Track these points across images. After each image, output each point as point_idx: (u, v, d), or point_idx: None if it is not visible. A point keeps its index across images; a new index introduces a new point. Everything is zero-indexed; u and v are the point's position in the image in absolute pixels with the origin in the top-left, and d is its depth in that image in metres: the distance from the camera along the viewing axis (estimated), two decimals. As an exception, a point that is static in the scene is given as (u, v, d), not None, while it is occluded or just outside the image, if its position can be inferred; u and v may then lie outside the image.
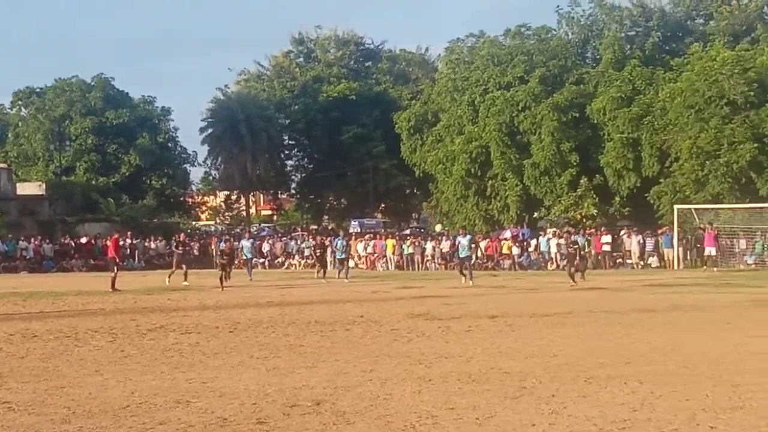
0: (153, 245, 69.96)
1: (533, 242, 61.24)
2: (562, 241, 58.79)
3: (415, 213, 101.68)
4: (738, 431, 10.40)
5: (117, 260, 38.82)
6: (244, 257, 51.00)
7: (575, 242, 40.40)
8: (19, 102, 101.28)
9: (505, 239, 62.00)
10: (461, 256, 41.38)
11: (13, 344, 19.39)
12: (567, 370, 14.73)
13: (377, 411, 11.51)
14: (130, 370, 15.31)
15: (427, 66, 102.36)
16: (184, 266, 42.60)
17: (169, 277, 41.48)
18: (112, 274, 37.38)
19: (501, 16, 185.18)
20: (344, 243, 49.83)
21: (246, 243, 52.08)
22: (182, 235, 54.79)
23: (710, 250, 51.41)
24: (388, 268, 62.07)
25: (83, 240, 69.60)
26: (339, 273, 46.37)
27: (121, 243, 47.52)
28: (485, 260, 60.80)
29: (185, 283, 40.33)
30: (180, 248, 45.46)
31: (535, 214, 70.22)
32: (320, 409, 11.64)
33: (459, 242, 42.02)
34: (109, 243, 41.30)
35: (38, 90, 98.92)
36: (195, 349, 18.10)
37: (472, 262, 41.33)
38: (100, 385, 13.89)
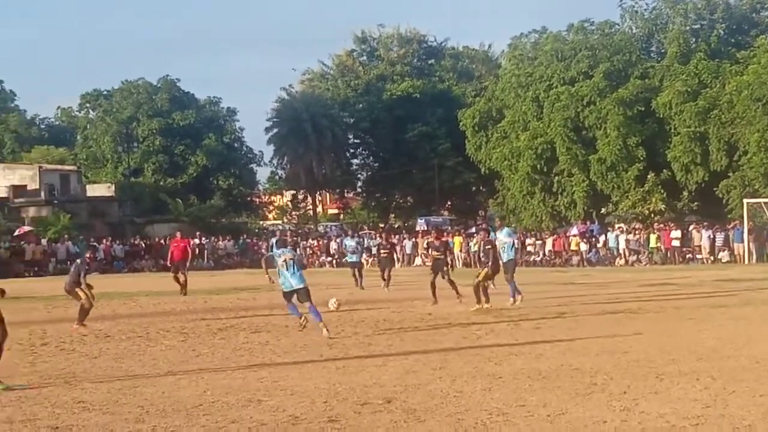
0: (222, 245, 70.41)
1: (601, 238, 60.81)
2: (630, 236, 58.49)
3: (482, 210, 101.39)
4: (813, 427, 10.30)
5: (185, 263, 37.30)
6: (349, 260, 40.30)
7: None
8: (87, 104, 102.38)
9: (573, 235, 61.64)
10: (351, 261, 38.82)
11: (86, 344, 19.65)
12: (638, 366, 14.66)
13: (448, 408, 11.53)
14: (202, 369, 15.47)
15: (490, 63, 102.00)
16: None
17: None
18: (182, 278, 35.22)
19: (564, 12, 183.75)
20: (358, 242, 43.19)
21: (350, 242, 42.21)
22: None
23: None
24: (455, 266, 61.91)
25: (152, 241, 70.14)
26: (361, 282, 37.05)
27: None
28: (553, 257, 60.56)
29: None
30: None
31: (603, 210, 69.71)
32: (391, 407, 11.68)
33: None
34: (173, 244, 39.12)
35: (105, 92, 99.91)
36: (265, 348, 18.24)
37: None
38: (173, 384, 14.05)
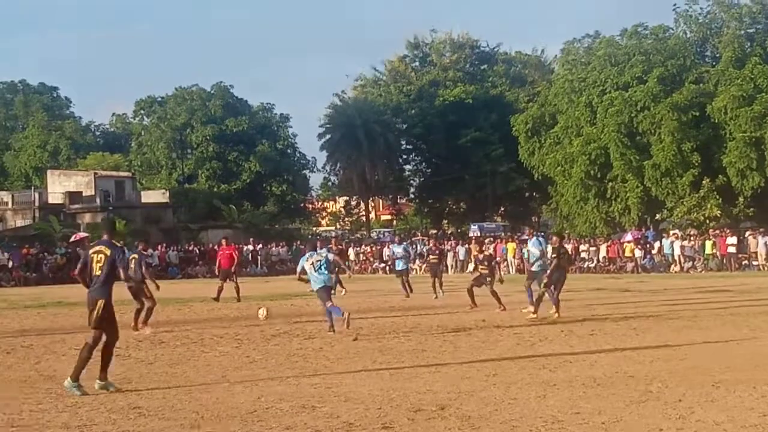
0: (275, 251, 70.66)
1: (656, 244, 60.36)
2: (686, 243, 58.00)
3: (535, 216, 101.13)
4: None
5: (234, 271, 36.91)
6: (397, 268, 38.08)
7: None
8: (142, 111, 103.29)
9: (628, 242, 61.26)
10: (398, 269, 37.21)
11: (141, 350, 19.77)
12: (694, 373, 14.54)
13: (502, 416, 11.49)
14: (256, 376, 15.50)
15: (543, 68, 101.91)
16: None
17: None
18: (220, 284, 34.96)
19: (617, 16, 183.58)
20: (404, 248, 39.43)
21: (397, 248, 39.02)
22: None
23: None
24: (508, 272, 61.76)
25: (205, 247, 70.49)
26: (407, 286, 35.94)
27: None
28: (607, 263, 60.25)
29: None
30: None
31: (657, 216, 69.29)
32: (445, 414, 11.65)
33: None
34: (220, 250, 38.63)
35: (160, 99, 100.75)
36: (319, 354, 18.26)
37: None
38: (227, 390, 14.10)
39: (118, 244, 15.01)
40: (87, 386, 14.05)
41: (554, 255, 25.86)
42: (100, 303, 14.19)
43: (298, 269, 23.09)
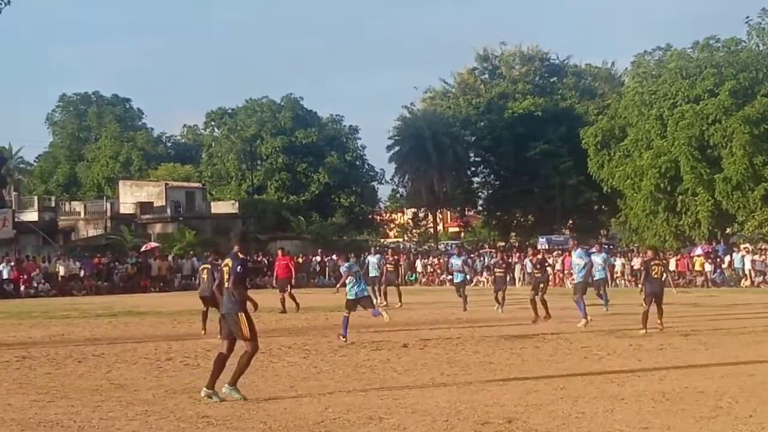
0: (341, 263, 70.72)
1: (726, 258, 59.72)
2: (757, 257, 57.31)
3: (604, 229, 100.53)
4: None
5: (290, 281, 36.77)
6: (456, 280, 37.55)
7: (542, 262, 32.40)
8: (212, 123, 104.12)
9: (697, 256, 60.68)
10: (457, 281, 36.52)
11: (210, 360, 19.82)
12: (764, 389, 14.40)
13: (569, 430, 11.47)
14: (324, 386, 15.58)
15: (613, 80, 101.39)
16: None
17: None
18: (281, 296, 35.22)
19: (688, 29, 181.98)
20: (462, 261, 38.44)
21: (456, 261, 38.42)
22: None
23: None
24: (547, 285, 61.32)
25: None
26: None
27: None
28: (676, 277, 59.71)
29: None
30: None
31: (728, 230, 68.60)
32: (512, 427, 11.65)
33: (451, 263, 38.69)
34: (277, 261, 38.96)
35: (230, 111, 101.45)
36: (386, 366, 18.30)
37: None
38: (295, 400, 14.19)
39: (242, 256, 15.27)
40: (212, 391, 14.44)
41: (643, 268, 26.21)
42: (241, 316, 14.67)
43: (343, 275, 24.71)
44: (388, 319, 23.62)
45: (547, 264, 35.09)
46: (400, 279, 42.23)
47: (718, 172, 65.92)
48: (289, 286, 35.63)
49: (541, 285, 29.02)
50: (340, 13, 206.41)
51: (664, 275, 26.83)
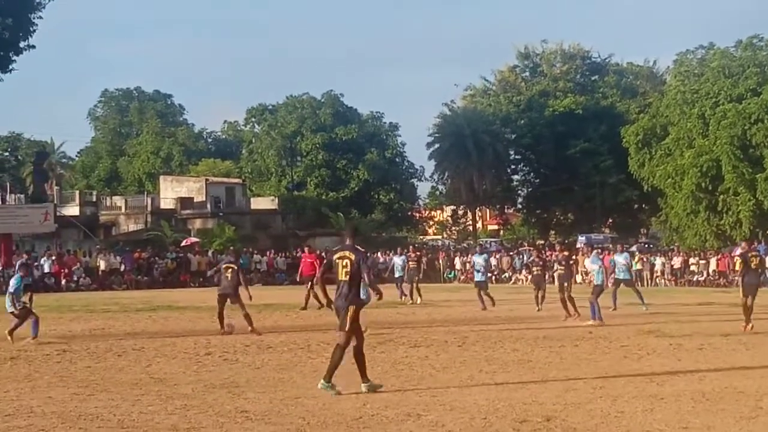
0: (382, 259, 70.75)
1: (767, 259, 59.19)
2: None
3: (644, 228, 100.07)
4: None
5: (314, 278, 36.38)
6: (476, 279, 36.35)
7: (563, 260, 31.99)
8: (253, 119, 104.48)
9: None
10: (477, 280, 35.60)
11: (249, 355, 19.99)
12: (805, 390, 14.28)
13: (608, 428, 11.42)
14: (361, 383, 15.57)
15: (655, 79, 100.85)
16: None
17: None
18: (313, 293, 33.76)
19: (732, 27, 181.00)
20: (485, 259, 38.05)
21: (478, 259, 36.94)
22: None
23: None
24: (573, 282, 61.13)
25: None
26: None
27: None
28: (717, 277, 59.36)
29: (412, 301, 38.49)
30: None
31: (769, 230, 68.14)
32: (550, 426, 11.62)
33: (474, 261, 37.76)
34: (302, 259, 38.87)
35: (270, 107, 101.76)
36: (424, 363, 18.29)
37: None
38: (333, 396, 14.18)
39: (361, 249, 15.31)
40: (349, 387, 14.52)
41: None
42: (351, 309, 14.70)
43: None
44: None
45: (571, 261, 34.85)
46: (421, 275, 42.07)
47: (760, 171, 65.47)
48: (313, 283, 35.18)
49: (566, 283, 29.01)
50: (380, 10, 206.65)
51: (761, 268, 26.63)
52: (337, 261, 14.90)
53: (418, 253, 46.03)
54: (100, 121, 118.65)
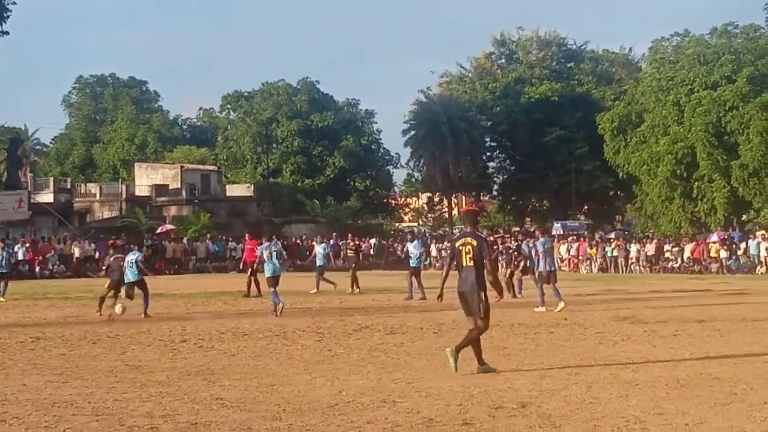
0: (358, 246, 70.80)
1: (742, 245, 59.53)
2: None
3: (619, 215, 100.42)
4: None
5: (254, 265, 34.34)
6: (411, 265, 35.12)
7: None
8: (228, 106, 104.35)
9: (713, 242, 60.51)
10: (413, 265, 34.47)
11: (224, 342, 19.96)
12: (779, 376, 14.33)
13: (583, 415, 11.43)
14: (338, 369, 15.58)
15: (630, 66, 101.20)
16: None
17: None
18: (253, 279, 34.47)
19: (706, 15, 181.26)
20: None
21: (411, 246, 36.21)
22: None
23: None
24: (591, 271, 61.49)
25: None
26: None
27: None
28: (692, 263, 59.59)
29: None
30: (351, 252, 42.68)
31: (744, 217, 68.38)
32: (526, 412, 11.62)
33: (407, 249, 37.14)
34: (246, 246, 38.83)
35: (246, 94, 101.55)
36: (400, 350, 18.30)
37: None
38: (309, 383, 14.17)
39: (483, 235, 15.61)
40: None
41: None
42: (480, 295, 15.13)
43: (258, 255, 29.59)
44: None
45: (512, 251, 34.57)
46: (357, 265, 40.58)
47: (735, 158, 65.72)
48: (253, 269, 34.64)
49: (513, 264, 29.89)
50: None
51: None
52: (459, 248, 15.16)
53: (356, 242, 45.76)
54: (74, 107, 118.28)
